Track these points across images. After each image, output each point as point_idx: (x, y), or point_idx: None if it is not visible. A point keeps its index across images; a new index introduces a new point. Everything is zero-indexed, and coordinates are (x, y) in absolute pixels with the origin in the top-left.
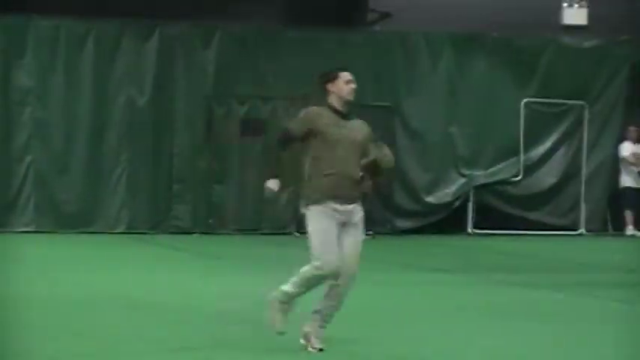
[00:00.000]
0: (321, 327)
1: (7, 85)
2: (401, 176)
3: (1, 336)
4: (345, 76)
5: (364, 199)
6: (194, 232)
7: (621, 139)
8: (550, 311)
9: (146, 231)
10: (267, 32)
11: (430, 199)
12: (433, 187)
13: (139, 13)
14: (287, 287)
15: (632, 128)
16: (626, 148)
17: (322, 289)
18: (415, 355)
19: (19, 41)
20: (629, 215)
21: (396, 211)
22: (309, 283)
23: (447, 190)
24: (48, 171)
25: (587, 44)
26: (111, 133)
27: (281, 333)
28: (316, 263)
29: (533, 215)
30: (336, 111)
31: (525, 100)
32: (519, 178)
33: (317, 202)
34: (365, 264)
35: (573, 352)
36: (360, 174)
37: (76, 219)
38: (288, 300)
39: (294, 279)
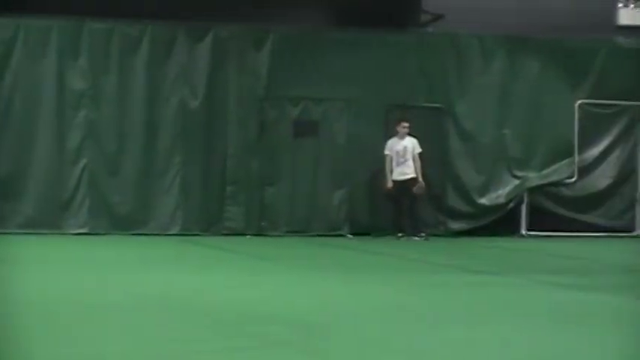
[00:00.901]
0: None
1: (61, 88)
2: (453, 178)
3: (43, 338)
4: None
5: (417, 201)
6: (246, 234)
7: None
8: (594, 313)
9: (199, 233)
10: (320, 34)
11: (483, 200)
12: (486, 188)
13: (192, 15)
14: None
15: None
16: None
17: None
18: (455, 357)
19: (73, 44)
20: None
21: (448, 213)
22: None
23: (500, 192)
24: (102, 173)
25: None
26: (164, 135)
27: None
28: None
29: (587, 217)
30: None
31: (580, 101)
32: (574, 179)
33: None
34: (417, 265)
35: (615, 355)
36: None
37: (129, 221)
38: None
39: None
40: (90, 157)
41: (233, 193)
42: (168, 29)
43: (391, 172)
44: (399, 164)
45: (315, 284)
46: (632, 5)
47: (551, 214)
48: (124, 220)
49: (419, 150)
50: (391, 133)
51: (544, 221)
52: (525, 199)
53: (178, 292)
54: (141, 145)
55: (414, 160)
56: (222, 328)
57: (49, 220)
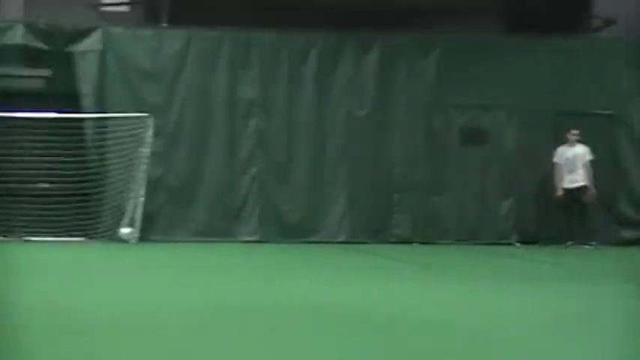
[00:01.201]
0: None
1: (233, 98)
2: (625, 186)
3: (202, 344)
4: None
5: (588, 209)
6: (413, 242)
7: None
8: None
9: (366, 240)
10: (487, 41)
11: None
12: None
13: (359, 25)
14: None
15: None
16: None
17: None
18: None
19: (244, 54)
20: None
21: (620, 222)
22: None
23: None
24: (271, 182)
25: None
26: (332, 144)
27: None
28: None
29: None
30: None
31: None
32: None
33: None
34: (580, 273)
35: None
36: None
37: (298, 229)
38: None
39: None
40: (260, 166)
41: (400, 201)
42: (336, 39)
43: (561, 180)
44: (569, 172)
45: (474, 293)
46: None
47: None
48: (293, 228)
49: (590, 157)
50: (560, 141)
51: None
52: None
53: (338, 300)
54: (309, 154)
55: (584, 167)
56: (375, 336)
57: (220, 228)
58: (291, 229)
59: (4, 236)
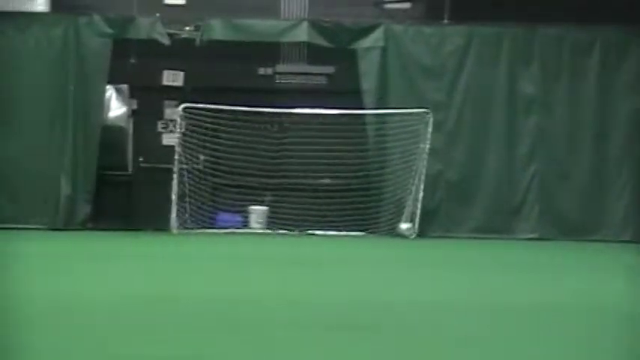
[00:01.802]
0: None
1: (513, 94)
2: None
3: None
4: None
5: None
6: None
7: None
8: None
9: None
10: None
11: None
12: None
13: None
14: None
15: None
16: None
17: None
18: None
19: (525, 50)
20: None
21: None
22: None
23: None
24: (552, 179)
25: None
26: (615, 141)
27: None
28: None
29: None
30: None
31: None
32: None
33: None
34: None
35: None
36: None
37: (579, 227)
38: None
39: None
40: (540, 162)
41: None
42: (621, 33)
43: None
44: None
45: None
46: None
47: None
48: (574, 226)
49: None
50: None
51: None
52: None
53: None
54: (591, 150)
55: None
56: None
57: (499, 225)
58: (572, 227)
59: (288, 230)
